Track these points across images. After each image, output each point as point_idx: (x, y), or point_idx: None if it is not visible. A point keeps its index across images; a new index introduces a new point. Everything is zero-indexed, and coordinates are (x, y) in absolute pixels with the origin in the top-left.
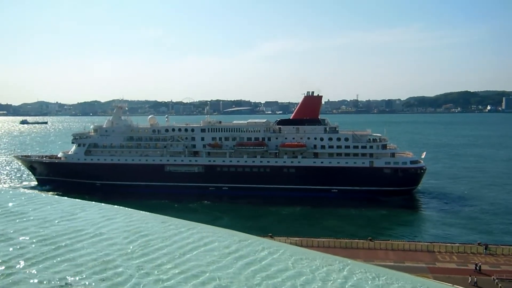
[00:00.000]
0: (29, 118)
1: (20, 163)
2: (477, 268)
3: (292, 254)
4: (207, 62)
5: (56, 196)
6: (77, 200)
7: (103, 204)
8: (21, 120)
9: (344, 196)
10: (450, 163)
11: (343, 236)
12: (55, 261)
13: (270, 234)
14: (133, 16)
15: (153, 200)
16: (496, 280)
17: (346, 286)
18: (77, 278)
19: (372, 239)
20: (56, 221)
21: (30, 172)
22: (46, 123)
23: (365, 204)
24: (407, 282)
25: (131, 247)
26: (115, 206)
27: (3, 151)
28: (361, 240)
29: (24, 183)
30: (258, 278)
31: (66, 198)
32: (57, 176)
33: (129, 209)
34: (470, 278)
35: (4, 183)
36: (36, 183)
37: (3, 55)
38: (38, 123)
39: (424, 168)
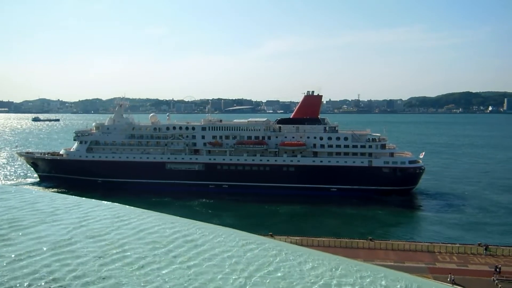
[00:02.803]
0: (41, 115)
1: (22, 160)
2: (497, 270)
3: (243, 240)
4: (210, 61)
5: (23, 187)
6: (45, 191)
7: (60, 195)
8: (33, 117)
9: (343, 195)
10: (450, 163)
11: (343, 236)
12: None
13: (271, 233)
14: (137, 15)
15: (153, 198)
16: (496, 281)
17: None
18: (30, 255)
19: (372, 239)
20: (17, 208)
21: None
22: (58, 120)
23: (363, 203)
24: (407, 282)
25: (75, 233)
26: (83, 198)
27: (21, 147)
28: (361, 240)
29: (27, 179)
30: (187, 256)
31: (32, 189)
32: (59, 173)
33: (98, 201)
34: (449, 276)
35: (7, 179)
36: (38, 179)
37: (5, 52)
38: (50, 120)
39: (422, 167)
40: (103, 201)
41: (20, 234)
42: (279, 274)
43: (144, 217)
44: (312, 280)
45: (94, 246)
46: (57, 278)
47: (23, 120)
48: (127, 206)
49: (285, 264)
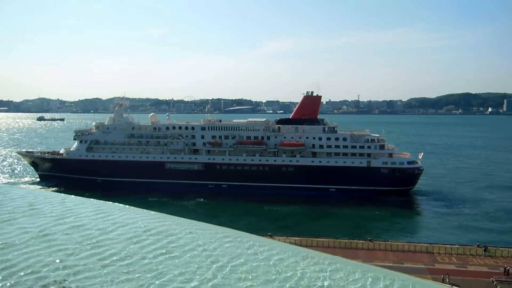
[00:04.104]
0: (46, 115)
1: (22, 159)
2: (506, 271)
3: (220, 235)
4: (210, 61)
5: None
6: (32, 188)
7: (47, 192)
8: (38, 116)
9: (342, 195)
10: (449, 164)
11: (342, 236)
12: None
13: (270, 234)
14: (137, 15)
15: (153, 197)
16: (495, 282)
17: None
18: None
19: (371, 240)
20: None
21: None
22: (63, 119)
23: (362, 203)
24: (405, 283)
25: (54, 226)
26: (68, 194)
27: (28, 146)
28: (361, 241)
29: (27, 178)
30: (158, 249)
31: (18, 186)
32: (59, 172)
33: (82, 198)
34: (443, 276)
35: (7, 178)
36: (38, 179)
37: (5, 51)
38: (54, 119)
39: (421, 168)
40: (86, 198)
41: None
42: (246, 267)
43: (125, 213)
44: (278, 271)
45: (71, 239)
46: (33, 269)
47: (27, 120)
48: (109, 202)
49: (256, 257)
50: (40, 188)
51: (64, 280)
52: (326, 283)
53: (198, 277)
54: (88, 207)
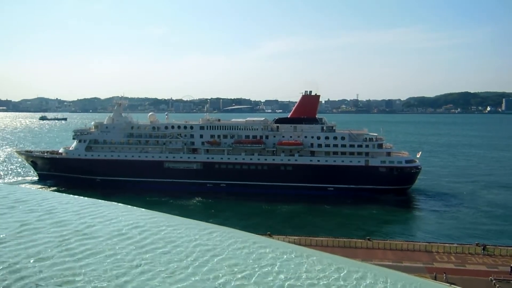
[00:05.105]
0: (48, 114)
1: (21, 158)
2: None
3: (204, 230)
4: (209, 61)
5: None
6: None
7: (33, 190)
8: (41, 116)
9: (340, 195)
10: (448, 163)
11: (341, 235)
12: None
13: (269, 233)
14: (137, 15)
15: (151, 197)
16: (494, 281)
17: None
18: None
19: (370, 239)
20: None
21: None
22: (65, 119)
23: (360, 202)
24: (404, 282)
25: (39, 221)
26: (56, 192)
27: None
28: (360, 240)
29: (26, 178)
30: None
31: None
32: (58, 172)
33: (68, 195)
34: (435, 274)
35: (7, 177)
36: (37, 178)
37: (4, 51)
38: (57, 119)
39: (419, 167)
40: (74, 195)
41: None
42: (230, 261)
43: (113, 209)
44: (260, 266)
45: (55, 234)
46: (14, 264)
47: (29, 119)
48: (97, 200)
49: (240, 253)
50: (39, 188)
51: (48, 275)
52: (307, 282)
53: (180, 271)
54: (75, 204)
